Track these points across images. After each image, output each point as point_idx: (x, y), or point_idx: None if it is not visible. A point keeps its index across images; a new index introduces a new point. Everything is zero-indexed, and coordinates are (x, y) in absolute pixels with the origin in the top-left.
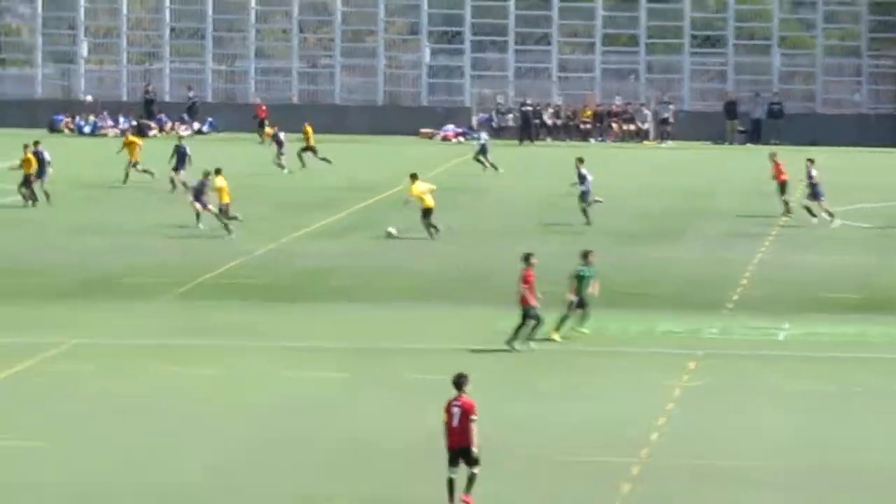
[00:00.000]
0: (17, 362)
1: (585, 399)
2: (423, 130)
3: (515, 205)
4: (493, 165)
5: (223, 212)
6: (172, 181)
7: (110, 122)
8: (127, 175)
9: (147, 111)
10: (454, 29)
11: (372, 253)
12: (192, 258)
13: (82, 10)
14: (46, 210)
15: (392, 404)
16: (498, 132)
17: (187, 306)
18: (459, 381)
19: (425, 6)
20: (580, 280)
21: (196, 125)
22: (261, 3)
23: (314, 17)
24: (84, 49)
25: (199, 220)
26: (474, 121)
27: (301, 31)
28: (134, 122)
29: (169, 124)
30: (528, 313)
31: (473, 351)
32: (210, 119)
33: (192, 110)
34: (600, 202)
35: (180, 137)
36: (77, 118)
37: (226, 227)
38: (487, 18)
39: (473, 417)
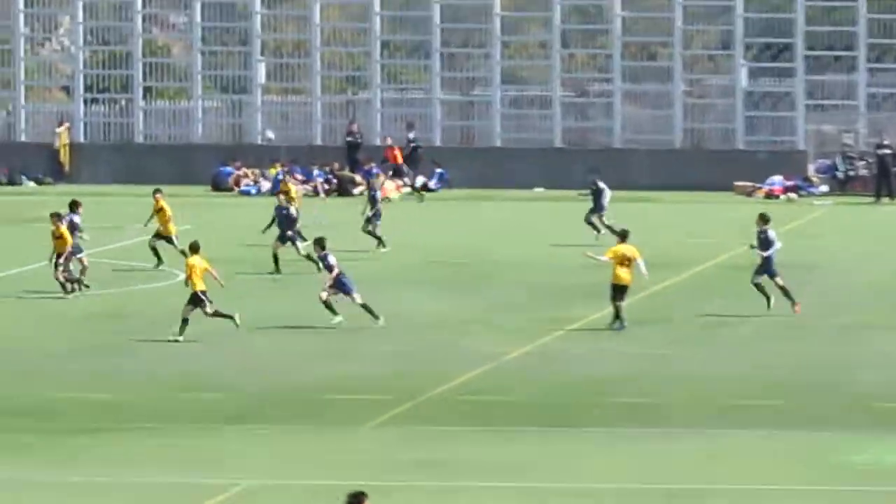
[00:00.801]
0: None
1: None
2: (738, 184)
3: (868, 286)
4: (610, 228)
5: (194, 302)
6: (276, 257)
7: (299, 176)
8: (173, 244)
9: (350, 160)
10: (781, 41)
11: (667, 357)
12: (416, 366)
13: (258, 20)
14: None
15: None
16: (844, 184)
17: (407, 433)
18: None
19: (740, 9)
20: None
21: (419, 179)
22: (509, 7)
23: (583, 26)
24: (261, 73)
25: (373, 315)
26: (811, 169)
27: (565, 45)
28: (331, 176)
29: (381, 178)
30: None
31: (815, 491)
32: (440, 170)
33: (413, 158)
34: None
35: (281, 197)
36: (245, 178)
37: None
38: (828, 25)
39: None
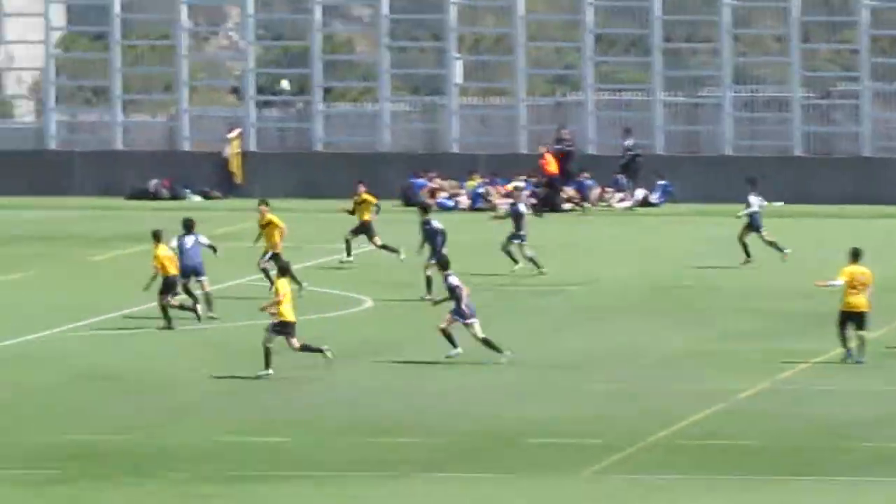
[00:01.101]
0: None
1: None
2: None
3: None
4: (744, 246)
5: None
6: (429, 281)
7: (501, 189)
8: (295, 280)
9: (562, 169)
10: None
11: None
12: (635, 406)
13: (454, 11)
14: (352, 329)
15: None
16: None
17: (629, 482)
18: None
19: None
20: None
21: (639, 192)
22: None
23: (825, 18)
24: (457, 72)
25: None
26: None
27: (805, 39)
28: (535, 188)
29: (596, 191)
30: None
31: None
32: (662, 182)
33: (630, 168)
34: None
35: (423, 211)
36: (441, 193)
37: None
38: None
39: None
